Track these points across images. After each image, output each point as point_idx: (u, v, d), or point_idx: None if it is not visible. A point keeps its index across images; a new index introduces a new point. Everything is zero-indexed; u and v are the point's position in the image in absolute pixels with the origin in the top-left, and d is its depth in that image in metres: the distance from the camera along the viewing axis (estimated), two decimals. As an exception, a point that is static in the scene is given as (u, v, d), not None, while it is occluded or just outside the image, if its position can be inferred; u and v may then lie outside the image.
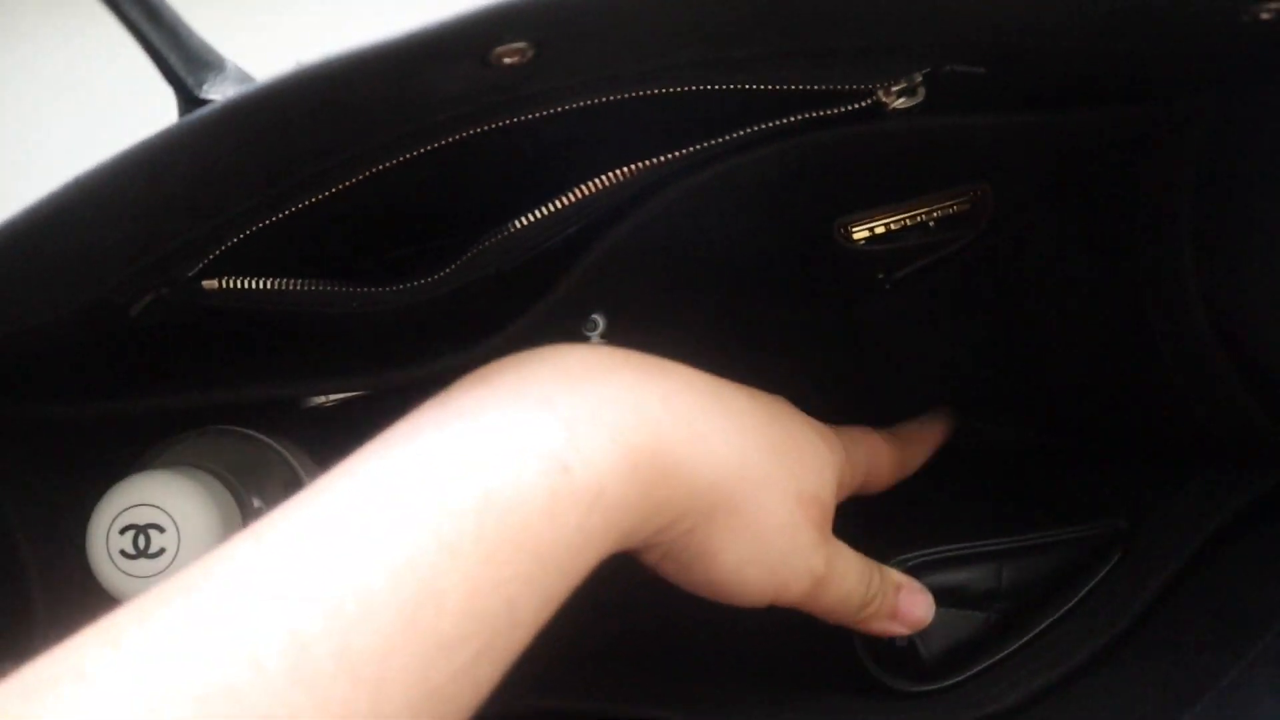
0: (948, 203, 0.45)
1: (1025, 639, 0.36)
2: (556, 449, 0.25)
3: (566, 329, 0.39)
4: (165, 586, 0.21)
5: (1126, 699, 0.32)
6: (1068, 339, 0.48)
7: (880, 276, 0.51)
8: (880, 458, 0.40)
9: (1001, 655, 0.36)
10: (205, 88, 0.24)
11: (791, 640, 0.39)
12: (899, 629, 0.36)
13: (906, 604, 0.36)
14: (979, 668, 0.36)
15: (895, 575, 0.36)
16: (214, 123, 0.23)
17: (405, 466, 0.24)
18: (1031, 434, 0.52)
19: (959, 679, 0.36)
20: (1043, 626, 0.36)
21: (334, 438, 0.48)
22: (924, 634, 0.37)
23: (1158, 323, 0.40)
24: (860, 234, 0.45)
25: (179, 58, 0.24)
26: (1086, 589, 0.37)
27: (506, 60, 0.25)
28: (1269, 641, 0.30)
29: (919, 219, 0.46)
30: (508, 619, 0.23)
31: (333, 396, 0.44)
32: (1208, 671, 0.30)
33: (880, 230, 0.45)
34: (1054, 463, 0.50)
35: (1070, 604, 0.36)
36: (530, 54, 0.25)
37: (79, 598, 0.37)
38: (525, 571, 0.23)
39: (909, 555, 0.38)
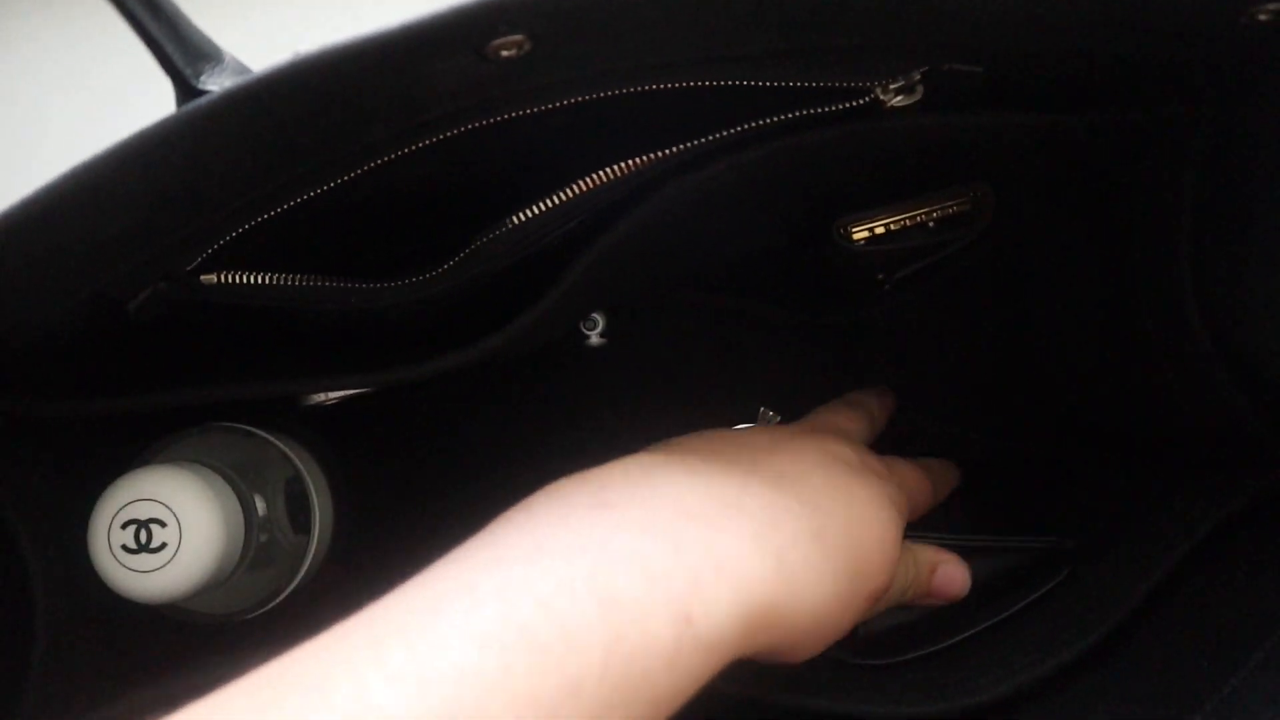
0: (948, 203, 0.45)
1: (957, 639, 0.37)
2: (683, 597, 0.25)
3: (566, 326, 0.39)
4: (280, 675, 0.21)
5: (1125, 704, 0.32)
6: (1066, 341, 0.48)
7: (880, 278, 0.51)
8: (923, 497, 0.42)
9: (933, 649, 0.37)
10: (203, 79, 0.25)
11: None
12: (936, 602, 0.38)
13: (941, 582, 0.38)
14: (910, 655, 0.37)
15: (929, 556, 0.38)
16: (211, 113, 0.23)
17: (530, 591, 0.23)
18: (1027, 438, 0.52)
19: (889, 661, 0.37)
20: (974, 631, 0.37)
21: (334, 435, 0.49)
22: None
23: (1153, 326, 0.40)
24: (860, 234, 0.45)
25: (177, 49, 0.24)
26: (1021, 604, 0.37)
27: (504, 53, 0.25)
28: (1269, 649, 0.30)
29: (919, 219, 0.46)
30: None
31: (332, 395, 0.45)
32: (1208, 679, 0.30)
33: (880, 231, 0.45)
34: (1026, 474, 0.51)
35: (1004, 615, 0.37)
36: (527, 47, 0.25)
37: (80, 595, 0.38)
38: (638, 715, 0.23)
39: None
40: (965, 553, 0.39)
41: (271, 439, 0.43)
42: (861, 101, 0.32)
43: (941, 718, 0.33)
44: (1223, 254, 0.37)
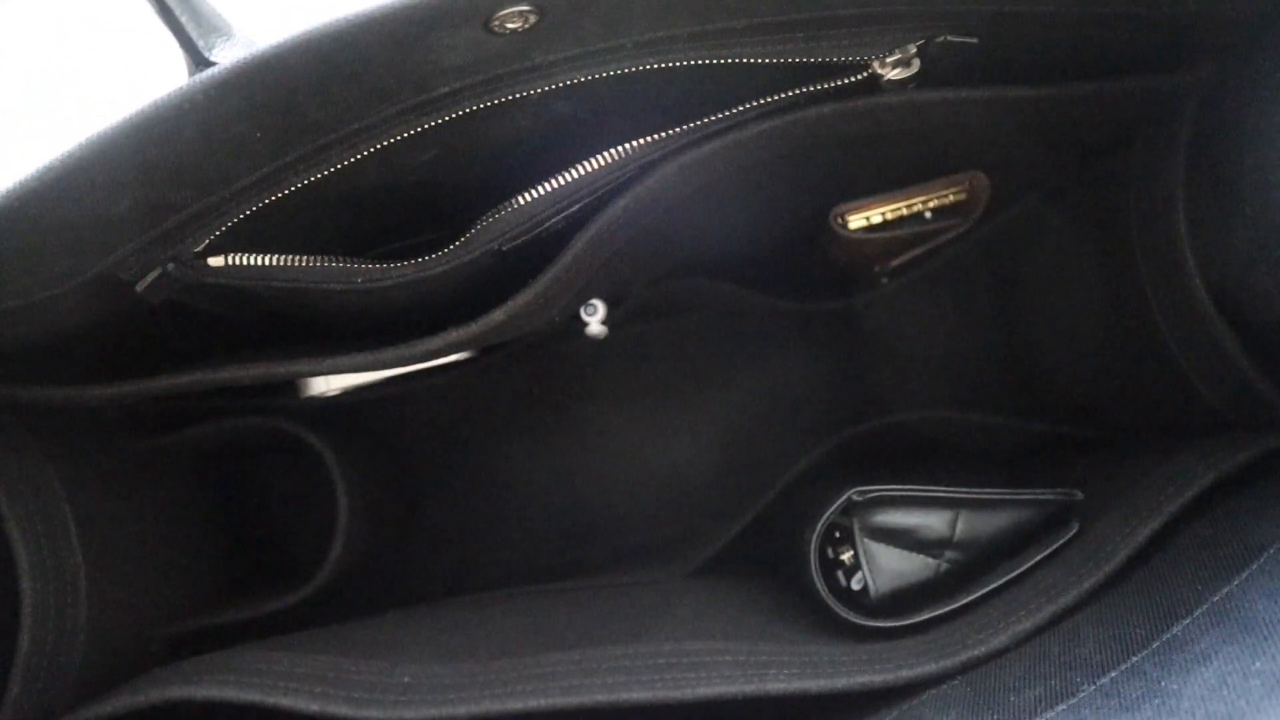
0: (944, 192, 0.46)
1: (970, 598, 0.36)
2: None
3: (567, 309, 0.40)
4: None
5: (1115, 625, 0.31)
6: (1067, 323, 0.48)
7: (877, 270, 0.52)
8: None
9: (946, 609, 0.36)
10: (214, 52, 0.25)
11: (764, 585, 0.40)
12: None
13: None
14: (923, 616, 0.36)
15: None
16: (222, 82, 0.23)
17: None
18: (1032, 423, 0.53)
19: (900, 623, 0.36)
20: (988, 589, 0.36)
21: (343, 433, 0.49)
22: (874, 572, 0.38)
23: (1155, 296, 0.41)
24: (857, 223, 0.46)
25: (191, 20, 0.24)
26: (1036, 559, 0.37)
27: (510, 25, 0.26)
28: (1261, 564, 0.30)
29: (915, 208, 0.46)
30: None
31: (334, 386, 0.45)
32: (1199, 596, 0.30)
33: (877, 220, 0.46)
34: (1032, 442, 0.50)
35: (1018, 571, 0.37)
36: (532, 19, 0.26)
37: (70, 587, 0.37)
38: None
39: (869, 488, 0.38)
40: (976, 506, 0.39)
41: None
42: (860, 77, 0.33)
43: (941, 675, 0.33)
44: (1217, 215, 0.37)
